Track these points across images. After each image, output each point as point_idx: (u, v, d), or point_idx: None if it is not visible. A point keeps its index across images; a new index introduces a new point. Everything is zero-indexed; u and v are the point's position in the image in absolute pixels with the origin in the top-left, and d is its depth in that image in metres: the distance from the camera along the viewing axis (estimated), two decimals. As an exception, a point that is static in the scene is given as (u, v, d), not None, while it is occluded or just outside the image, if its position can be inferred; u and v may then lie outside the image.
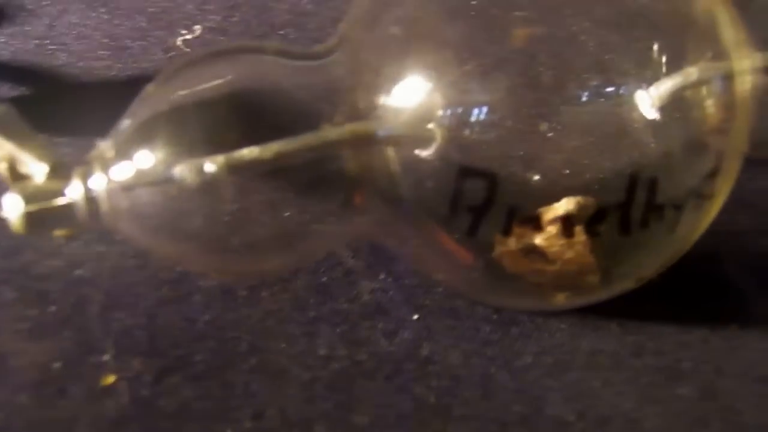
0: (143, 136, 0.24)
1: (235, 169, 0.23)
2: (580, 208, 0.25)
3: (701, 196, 0.25)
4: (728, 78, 0.25)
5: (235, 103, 0.24)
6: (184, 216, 0.24)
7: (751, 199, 0.32)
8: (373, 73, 0.24)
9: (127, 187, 0.23)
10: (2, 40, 0.38)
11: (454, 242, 0.24)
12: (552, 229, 0.25)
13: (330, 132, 0.24)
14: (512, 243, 0.25)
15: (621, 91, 0.25)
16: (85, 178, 0.23)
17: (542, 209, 0.25)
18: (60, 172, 0.24)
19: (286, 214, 0.25)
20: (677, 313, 0.28)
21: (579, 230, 0.25)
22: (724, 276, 0.29)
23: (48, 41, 0.38)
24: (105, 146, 0.24)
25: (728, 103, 0.26)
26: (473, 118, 0.24)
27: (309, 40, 0.38)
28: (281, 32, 0.39)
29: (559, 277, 0.26)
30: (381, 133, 0.24)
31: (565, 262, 0.25)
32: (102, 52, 0.37)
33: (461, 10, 0.25)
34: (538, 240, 0.25)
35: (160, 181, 0.23)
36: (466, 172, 0.23)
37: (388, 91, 0.24)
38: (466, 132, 0.24)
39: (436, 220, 0.24)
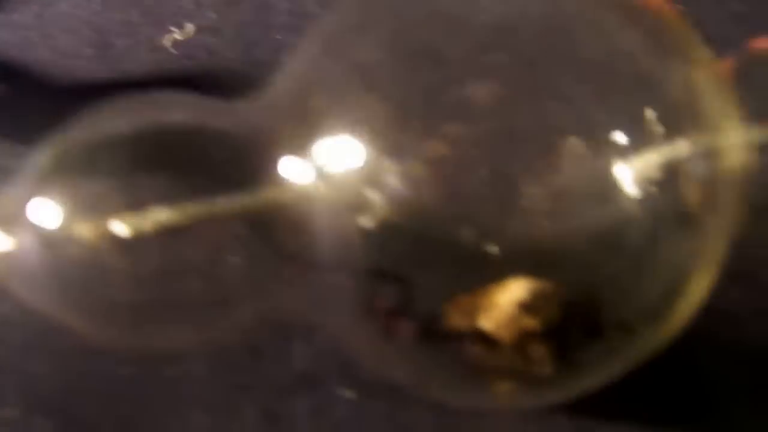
0: (45, 191, 0.22)
1: (143, 230, 0.21)
2: (538, 292, 0.22)
3: (654, 316, 0.22)
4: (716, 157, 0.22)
5: (147, 151, 0.22)
6: (82, 280, 0.22)
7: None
8: (304, 133, 0.22)
9: (23, 247, 0.22)
10: (-11, 29, 0.37)
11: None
12: (501, 313, 0.22)
13: (249, 196, 0.22)
14: (457, 319, 0.22)
15: (600, 162, 0.22)
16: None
17: (494, 288, 0.22)
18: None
19: (200, 280, 0.22)
20: (639, 414, 0.25)
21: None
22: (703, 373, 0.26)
23: (34, 32, 0.36)
24: (5, 200, 0.22)
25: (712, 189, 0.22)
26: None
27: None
28: (278, 36, 0.36)
29: (507, 364, 0.23)
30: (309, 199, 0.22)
31: (514, 349, 0.23)
32: (87, 50, 0.36)
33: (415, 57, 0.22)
34: (487, 323, 0.23)
35: (58, 242, 0.22)
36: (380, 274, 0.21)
37: (319, 155, 0.22)
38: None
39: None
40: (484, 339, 0.22)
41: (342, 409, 0.25)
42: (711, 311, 0.26)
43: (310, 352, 0.26)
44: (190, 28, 0.37)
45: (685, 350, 0.26)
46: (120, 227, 0.21)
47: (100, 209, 0.22)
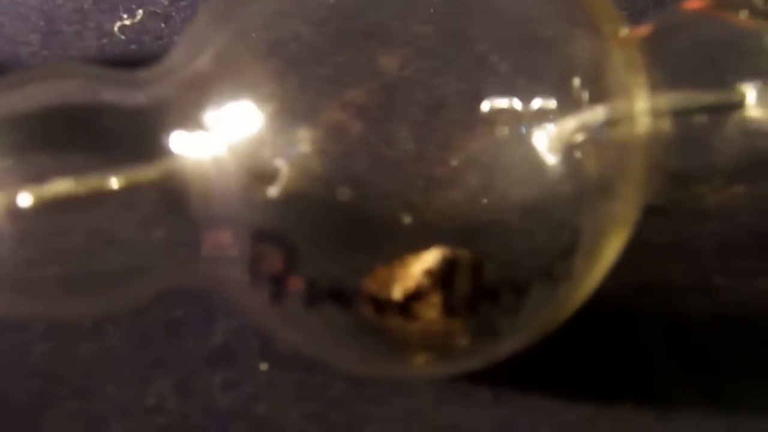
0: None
1: (46, 202, 0.21)
2: (452, 259, 0.21)
3: (552, 277, 0.21)
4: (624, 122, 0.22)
5: (46, 125, 0.22)
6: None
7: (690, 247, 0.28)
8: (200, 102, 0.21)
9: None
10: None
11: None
12: (414, 283, 0.22)
13: (155, 167, 0.21)
14: (372, 289, 0.22)
15: (517, 128, 0.21)
16: None
17: (406, 257, 0.22)
18: None
19: (103, 252, 0.22)
20: (563, 385, 0.24)
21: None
22: (634, 341, 0.25)
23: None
24: None
25: (617, 155, 0.22)
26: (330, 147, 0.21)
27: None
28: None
29: (423, 336, 0.23)
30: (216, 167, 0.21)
31: (428, 321, 0.22)
32: (33, 36, 0.35)
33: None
34: (397, 292, 0.22)
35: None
36: (261, 237, 0.20)
37: (222, 123, 0.21)
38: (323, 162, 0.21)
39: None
40: (400, 309, 0.22)
41: (256, 381, 0.24)
42: (646, 282, 0.26)
43: (230, 327, 0.25)
44: (140, 13, 0.36)
45: (620, 323, 0.26)
46: (23, 198, 0.21)
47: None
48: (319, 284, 0.20)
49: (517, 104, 0.21)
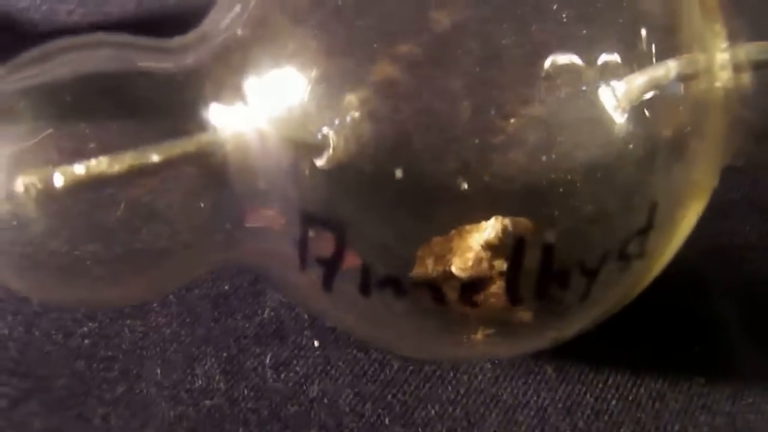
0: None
1: (81, 183, 0.20)
2: (513, 228, 0.20)
3: (625, 257, 0.19)
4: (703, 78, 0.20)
5: (81, 95, 0.21)
6: (22, 237, 0.20)
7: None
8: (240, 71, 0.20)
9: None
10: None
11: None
12: (474, 255, 0.20)
13: (194, 140, 0.20)
14: (429, 265, 0.20)
15: (582, 86, 0.19)
16: None
17: (465, 228, 0.20)
18: None
19: (144, 228, 0.21)
20: (630, 359, 0.23)
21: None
22: (707, 311, 0.24)
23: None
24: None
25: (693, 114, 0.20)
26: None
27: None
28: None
29: (484, 320, 0.21)
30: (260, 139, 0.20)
31: (491, 295, 0.21)
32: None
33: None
34: (457, 268, 0.21)
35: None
36: (312, 218, 0.19)
37: (263, 92, 0.20)
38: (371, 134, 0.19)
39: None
40: (461, 298, 0.20)
41: (308, 360, 0.23)
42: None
43: (279, 301, 0.24)
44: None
45: (691, 291, 0.24)
46: (60, 178, 0.20)
47: (32, 161, 0.20)
48: (376, 270, 0.19)
49: (580, 58, 0.19)
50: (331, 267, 0.19)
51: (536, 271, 0.19)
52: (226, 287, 0.25)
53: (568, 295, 0.19)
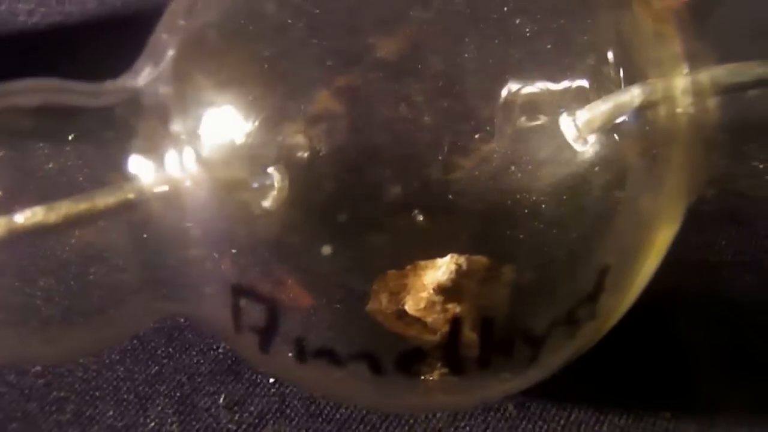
0: None
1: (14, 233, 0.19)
2: (467, 267, 0.19)
3: (574, 322, 0.18)
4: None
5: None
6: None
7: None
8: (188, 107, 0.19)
9: None
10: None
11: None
12: (427, 295, 0.20)
13: (132, 187, 0.19)
14: (383, 301, 0.20)
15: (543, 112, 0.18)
16: None
17: (420, 264, 0.19)
18: None
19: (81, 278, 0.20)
20: (593, 394, 0.22)
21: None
22: (674, 338, 0.23)
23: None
24: None
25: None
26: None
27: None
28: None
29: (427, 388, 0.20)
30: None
31: (430, 364, 0.20)
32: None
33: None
34: (410, 306, 0.20)
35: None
36: (241, 289, 0.18)
37: (195, 137, 0.19)
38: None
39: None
40: (399, 369, 0.19)
41: (264, 397, 0.23)
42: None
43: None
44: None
45: (658, 315, 0.23)
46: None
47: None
48: (310, 341, 0.18)
49: (536, 87, 0.18)
50: (265, 336, 0.18)
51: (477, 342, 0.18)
52: (182, 319, 0.24)
53: (514, 362, 0.18)
